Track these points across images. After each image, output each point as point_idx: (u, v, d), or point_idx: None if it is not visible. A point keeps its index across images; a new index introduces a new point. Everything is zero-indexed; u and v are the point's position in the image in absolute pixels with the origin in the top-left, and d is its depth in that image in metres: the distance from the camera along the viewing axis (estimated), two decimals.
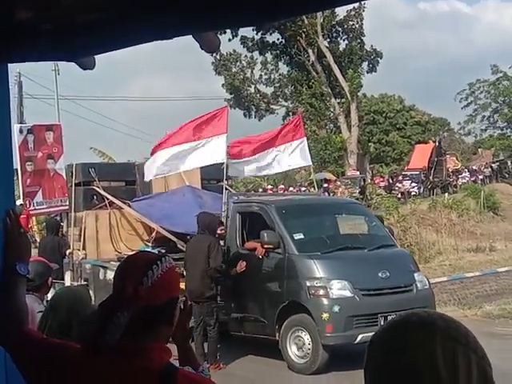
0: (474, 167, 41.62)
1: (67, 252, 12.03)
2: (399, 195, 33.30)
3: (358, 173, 37.61)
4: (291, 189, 32.38)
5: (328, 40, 42.30)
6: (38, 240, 28.49)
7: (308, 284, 8.98)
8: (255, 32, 41.53)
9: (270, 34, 42.28)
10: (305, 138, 12.68)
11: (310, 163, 12.91)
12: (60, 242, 12.25)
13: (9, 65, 2.63)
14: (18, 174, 12.04)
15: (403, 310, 1.43)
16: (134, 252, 2.25)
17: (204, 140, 11.13)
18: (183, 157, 11.33)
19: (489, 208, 29.16)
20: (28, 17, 2.21)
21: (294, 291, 9.21)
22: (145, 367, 1.84)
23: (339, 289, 8.91)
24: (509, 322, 11.97)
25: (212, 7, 2.07)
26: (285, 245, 9.39)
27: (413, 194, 33.86)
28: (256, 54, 44.12)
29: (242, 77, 44.03)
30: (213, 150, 11.04)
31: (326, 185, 34.07)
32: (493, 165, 41.64)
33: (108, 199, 12.69)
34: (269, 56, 44.30)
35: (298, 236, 9.56)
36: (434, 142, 41.43)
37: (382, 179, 38.92)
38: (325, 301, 8.87)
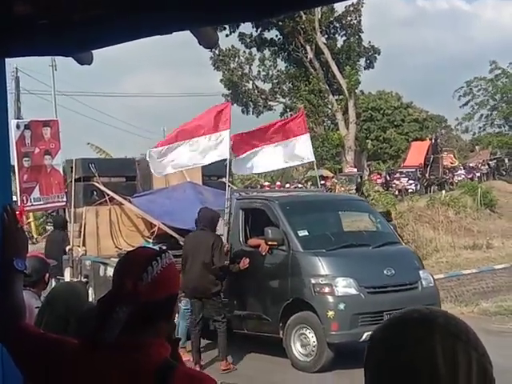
0: (471, 164, 41.65)
1: (67, 248, 11.97)
2: (396, 192, 33.32)
3: (355, 170, 37.62)
4: (287, 185, 32.34)
5: (326, 36, 42.27)
6: (36, 236, 28.53)
7: (313, 281, 8.93)
8: (253, 28, 41.58)
9: (268, 30, 42.26)
10: (308, 134, 12.54)
11: (313, 159, 12.75)
12: (64, 237, 12.22)
13: (6, 60, 2.61)
14: (15, 169, 12.02)
15: None
16: (133, 248, 2.25)
17: (208, 136, 11.02)
18: (189, 154, 11.21)
19: (486, 205, 29.16)
20: (26, 12, 2.20)
21: (298, 288, 9.15)
22: (143, 362, 1.85)
23: (344, 286, 8.86)
24: (505, 319, 11.98)
25: (210, 2, 2.06)
26: (289, 242, 9.32)
27: (410, 191, 33.88)
28: (254, 50, 44.11)
29: (240, 73, 43.99)
30: (217, 147, 10.95)
31: (322, 182, 34.05)
32: (490, 162, 41.66)
33: (108, 195, 12.61)
34: (267, 52, 44.30)
35: (303, 233, 9.49)
36: (431, 139, 41.41)
37: (379, 176, 38.93)
38: (330, 298, 8.83)
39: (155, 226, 12.03)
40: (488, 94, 54.60)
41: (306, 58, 41.79)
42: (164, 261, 1.93)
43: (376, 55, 43.07)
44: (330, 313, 8.70)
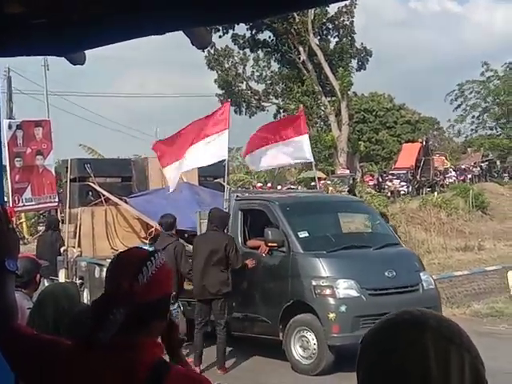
0: (462, 166, 41.80)
1: (62, 249, 11.84)
2: (389, 194, 33.40)
3: (347, 171, 37.66)
4: (279, 187, 32.36)
5: (318, 38, 42.29)
6: (27, 237, 28.41)
7: (314, 283, 8.78)
8: (247, 29, 41.56)
9: (262, 31, 42.25)
10: (307, 134, 12.47)
11: (312, 159, 12.68)
12: (57, 237, 12.12)
13: None
14: (6, 170, 11.98)
15: None
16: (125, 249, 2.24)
17: (208, 138, 10.97)
18: (192, 157, 11.17)
19: (477, 207, 29.28)
20: (18, 11, 2.20)
21: (298, 290, 9.01)
22: (137, 362, 1.85)
23: (346, 288, 8.74)
24: (497, 320, 12.01)
25: (203, 3, 2.06)
26: (289, 243, 9.19)
27: (401, 192, 33.97)
28: (248, 51, 44.09)
29: (234, 73, 43.98)
30: (216, 148, 10.88)
31: (313, 183, 34.06)
32: (482, 164, 41.82)
33: (104, 195, 12.50)
34: (260, 53, 44.29)
35: (303, 234, 9.37)
36: (422, 141, 41.52)
37: (371, 178, 39.02)
38: (331, 300, 8.69)
39: (151, 227, 11.92)
40: (480, 97, 54.79)
41: (299, 59, 41.79)
42: (158, 261, 1.94)
43: (368, 57, 43.12)
44: (332, 315, 8.59)
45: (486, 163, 42.56)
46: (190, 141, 11.19)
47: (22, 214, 25.02)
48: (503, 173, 42.80)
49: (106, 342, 1.85)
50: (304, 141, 12.23)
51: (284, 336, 9.10)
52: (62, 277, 11.42)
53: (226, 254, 9.03)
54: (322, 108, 42.33)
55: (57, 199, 13.21)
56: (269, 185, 33.62)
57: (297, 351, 9.01)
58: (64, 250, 11.85)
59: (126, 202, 12.42)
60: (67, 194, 12.70)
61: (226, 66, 43.86)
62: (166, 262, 1.99)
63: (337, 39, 42.96)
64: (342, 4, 39.95)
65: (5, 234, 2.18)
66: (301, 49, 41.17)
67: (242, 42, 43.10)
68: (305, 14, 38.55)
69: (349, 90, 40.67)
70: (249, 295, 9.65)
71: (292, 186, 34.06)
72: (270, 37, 42.85)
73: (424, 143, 40.72)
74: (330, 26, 42.86)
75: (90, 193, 12.70)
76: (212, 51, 42.26)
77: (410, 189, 35.80)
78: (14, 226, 12.91)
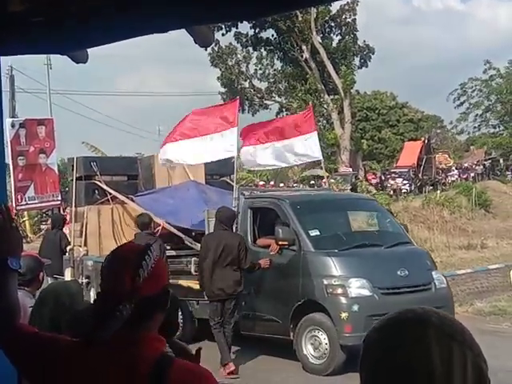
0: (465, 165, 41.74)
1: (68, 248, 11.74)
2: (391, 192, 33.37)
3: (350, 169, 37.63)
4: (281, 185, 32.35)
5: (321, 35, 42.26)
6: (30, 235, 28.44)
7: (325, 282, 8.67)
8: (250, 27, 41.54)
9: (265, 30, 42.23)
10: (316, 132, 12.33)
11: (321, 157, 12.59)
12: (61, 235, 12.04)
13: (1, 58, 2.61)
14: (9, 168, 11.99)
15: None
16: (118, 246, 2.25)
17: (216, 134, 10.81)
18: (199, 149, 11.01)
19: (480, 205, 29.22)
20: (21, 10, 2.20)
21: (310, 289, 8.88)
22: (140, 357, 1.87)
23: (358, 287, 8.63)
24: (500, 319, 12.01)
25: (206, 1, 2.05)
26: (300, 241, 9.08)
27: (403, 191, 33.93)
28: (250, 49, 44.07)
29: (237, 71, 43.96)
30: (225, 145, 10.72)
31: (312, 182, 34.08)
32: (485, 162, 41.76)
33: (110, 194, 12.36)
34: (263, 52, 44.27)
35: (314, 232, 9.26)
36: (424, 140, 41.46)
37: (374, 176, 39.00)
38: (343, 300, 8.58)
39: (158, 225, 11.84)
40: (483, 95, 54.67)
41: (302, 57, 41.76)
42: (154, 254, 1.97)
43: (370, 54, 43.08)
44: (344, 314, 8.48)
45: (489, 161, 42.50)
46: (196, 130, 11.04)
47: (25, 213, 25.08)
48: (506, 171, 42.70)
49: (108, 338, 1.86)
50: (313, 138, 12.06)
51: (295, 335, 8.99)
52: (68, 276, 11.28)
53: (238, 253, 8.94)
54: (325, 106, 42.31)
55: (60, 198, 13.20)
56: (271, 183, 33.59)
57: (308, 351, 8.90)
58: (70, 249, 11.74)
59: (132, 200, 12.28)
60: (73, 193, 12.55)
61: (230, 63, 43.85)
62: (159, 254, 2.02)
63: (339, 37, 42.95)
64: (343, 2, 39.93)
65: (8, 233, 2.18)
66: (304, 47, 41.14)
67: (244, 40, 43.09)
68: (307, 11, 38.51)
69: (351, 88, 40.64)
70: (259, 294, 9.54)
71: (295, 185, 34.03)
72: (272, 35, 42.86)
73: (426, 141, 40.66)
74: (333, 24, 42.82)
75: (96, 191, 12.54)
76: (216, 49, 42.26)
77: (413, 187, 35.75)
78: (17, 224, 12.86)
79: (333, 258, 8.87)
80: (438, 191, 31.85)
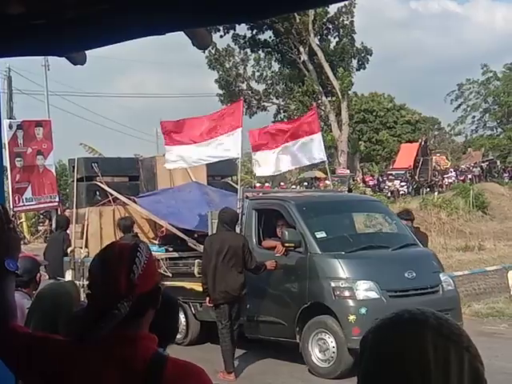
0: (462, 167, 41.79)
1: (68, 250, 11.61)
2: (389, 194, 33.40)
3: (347, 171, 37.67)
4: (282, 184, 32.39)
5: (319, 37, 42.33)
6: (27, 236, 28.37)
7: (333, 284, 8.53)
8: (247, 29, 41.59)
9: (262, 32, 42.28)
10: (320, 133, 12.24)
11: (325, 159, 12.39)
12: (64, 237, 11.92)
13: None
14: (7, 169, 11.99)
15: None
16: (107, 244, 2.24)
17: (220, 136, 10.77)
18: (204, 153, 11.00)
19: (478, 207, 29.23)
20: (19, 12, 2.20)
21: (317, 292, 8.73)
22: (134, 356, 1.87)
23: (366, 290, 8.49)
24: (497, 320, 12.01)
25: (204, 3, 2.06)
26: (306, 244, 8.94)
27: (401, 193, 33.95)
28: (248, 50, 44.10)
29: (234, 73, 43.98)
30: (229, 146, 10.67)
31: (306, 183, 34.12)
32: (482, 164, 41.81)
33: (112, 195, 12.20)
34: (261, 54, 44.31)
35: (320, 234, 9.11)
36: (420, 142, 41.48)
37: (371, 178, 39.06)
38: (351, 302, 8.44)
39: (161, 227, 11.64)
40: (480, 97, 54.76)
41: (300, 59, 41.82)
42: (145, 250, 1.97)
43: (368, 56, 43.13)
44: (351, 317, 8.34)
45: (487, 163, 42.55)
46: (200, 134, 11.02)
47: (23, 214, 25.07)
48: (503, 173, 42.79)
49: (102, 337, 1.86)
50: (318, 139, 11.98)
51: (301, 338, 8.87)
52: (68, 278, 11.13)
53: (243, 255, 8.81)
54: (323, 108, 42.34)
55: (57, 199, 13.19)
56: (266, 184, 33.56)
57: (315, 354, 8.76)
58: (71, 251, 11.61)
59: (134, 201, 12.09)
60: (74, 194, 12.35)
61: (227, 66, 43.86)
62: (149, 250, 2.03)
63: (337, 39, 43.00)
64: (341, 4, 39.97)
65: (5, 234, 2.18)
66: (301, 49, 41.19)
67: (242, 42, 43.15)
68: (305, 14, 38.58)
69: (349, 90, 40.70)
70: (264, 297, 9.41)
71: (293, 186, 34.05)
72: (270, 37, 42.93)
73: (423, 143, 40.68)
74: (330, 26, 42.90)
75: (98, 192, 12.34)
76: (213, 51, 42.26)
77: (410, 189, 35.77)
78: (15, 225, 12.81)
79: (340, 260, 8.73)
80: (436, 193, 31.88)
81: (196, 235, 10.97)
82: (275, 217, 9.69)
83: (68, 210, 15.45)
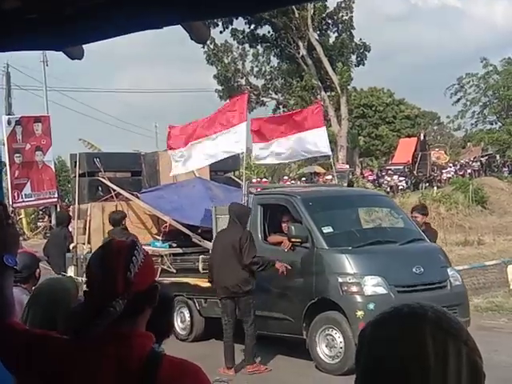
0: (461, 161, 41.73)
1: (71, 246, 11.58)
2: (388, 189, 33.39)
3: (346, 166, 37.64)
4: (285, 178, 32.43)
5: (318, 32, 42.24)
6: (27, 232, 28.38)
7: (340, 280, 8.45)
8: (245, 23, 41.48)
9: (261, 26, 42.18)
10: (324, 127, 12.15)
11: (330, 152, 12.29)
12: (65, 234, 11.89)
13: None
14: (6, 165, 11.98)
15: None
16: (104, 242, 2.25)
17: (225, 131, 10.64)
18: (208, 150, 10.89)
19: (477, 202, 29.24)
20: (16, 6, 2.19)
21: (324, 288, 8.67)
22: (130, 353, 1.87)
23: (373, 285, 8.43)
24: (496, 314, 12.04)
25: None
26: (313, 239, 8.84)
27: (400, 188, 33.94)
28: (247, 46, 44.03)
29: (233, 68, 43.89)
30: (234, 141, 10.54)
31: (304, 178, 34.13)
32: (482, 159, 41.74)
33: (115, 190, 12.09)
34: (260, 48, 44.23)
35: (327, 229, 9.03)
36: (419, 136, 41.41)
37: (371, 173, 39.03)
38: (359, 298, 8.38)
39: (164, 222, 11.50)
40: (480, 91, 54.68)
41: (299, 54, 41.75)
42: (141, 248, 1.98)
43: (366, 52, 43.05)
44: (359, 313, 8.27)
45: (486, 158, 42.47)
46: (204, 132, 10.92)
47: (22, 210, 25.08)
48: (503, 167, 42.71)
49: (99, 334, 1.87)
50: (322, 133, 11.87)
51: (308, 335, 8.79)
52: (70, 274, 10.98)
53: (240, 249, 8.69)
54: (322, 103, 42.29)
55: (56, 195, 13.19)
56: (264, 180, 33.54)
57: (322, 350, 8.69)
58: (73, 247, 11.58)
59: (137, 197, 11.96)
60: (76, 190, 12.19)
61: (226, 61, 43.77)
62: (145, 249, 2.03)
63: (336, 34, 42.93)
64: None
65: (3, 229, 2.17)
66: (300, 44, 41.10)
67: (241, 37, 43.02)
68: (304, 8, 38.49)
69: (348, 84, 40.62)
70: (271, 293, 9.33)
71: (292, 181, 34.06)
72: (269, 32, 42.80)
73: (421, 138, 40.62)
74: (330, 22, 42.80)
75: (100, 188, 12.20)
76: (212, 46, 42.17)
77: (409, 184, 35.74)
78: (14, 221, 12.77)
79: (347, 256, 8.66)
80: (435, 188, 31.87)
81: (200, 231, 10.92)
82: (280, 212, 9.61)
83: (71, 207, 15.36)
